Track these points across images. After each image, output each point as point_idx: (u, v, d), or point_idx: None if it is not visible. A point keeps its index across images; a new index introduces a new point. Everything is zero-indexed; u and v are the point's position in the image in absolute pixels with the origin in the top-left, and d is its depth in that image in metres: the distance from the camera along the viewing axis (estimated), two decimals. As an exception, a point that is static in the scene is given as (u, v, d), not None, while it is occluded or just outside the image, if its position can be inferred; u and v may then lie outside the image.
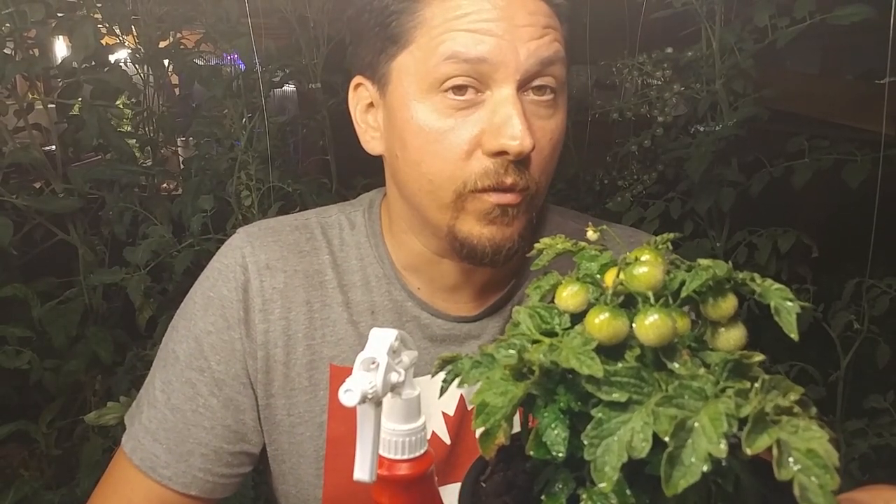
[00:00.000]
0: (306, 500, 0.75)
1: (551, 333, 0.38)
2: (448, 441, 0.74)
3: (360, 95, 0.73)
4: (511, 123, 0.62)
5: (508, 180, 0.64)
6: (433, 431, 0.74)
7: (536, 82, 0.64)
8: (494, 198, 0.65)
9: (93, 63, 1.48)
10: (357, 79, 0.72)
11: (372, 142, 0.73)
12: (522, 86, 0.64)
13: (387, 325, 0.74)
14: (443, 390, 0.40)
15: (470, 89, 0.63)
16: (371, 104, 0.72)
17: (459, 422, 0.75)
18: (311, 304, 0.74)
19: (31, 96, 1.50)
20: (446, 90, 0.63)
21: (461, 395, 0.75)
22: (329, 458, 0.73)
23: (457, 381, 0.38)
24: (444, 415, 0.74)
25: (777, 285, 0.35)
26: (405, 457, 0.50)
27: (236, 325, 0.72)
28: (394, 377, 0.49)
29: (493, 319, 0.77)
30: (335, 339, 0.73)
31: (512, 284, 0.78)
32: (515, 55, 0.62)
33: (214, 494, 0.73)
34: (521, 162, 0.64)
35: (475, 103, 0.64)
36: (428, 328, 0.75)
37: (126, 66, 1.58)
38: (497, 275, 0.76)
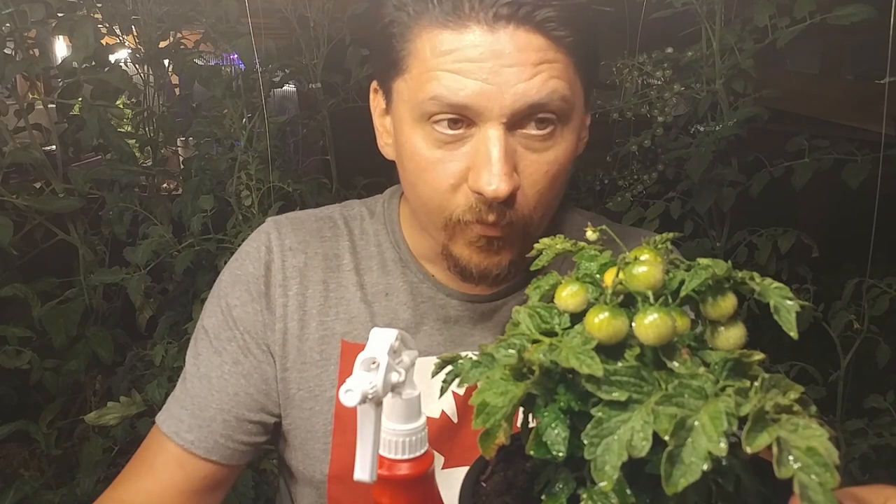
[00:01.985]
0: (312, 476, 0.77)
1: (551, 333, 0.38)
2: (455, 420, 0.76)
3: (377, 100, 0.74)
4: (489, 168, 0.61)
5: (490, 218, 0.64)
6: (442, 410, 0.76)
7: (530, 120, 0.63)
8: (479, 229, 0.66)
9: (93, 63, 1.48)
10: (374, 83, 0.73)
11: (386, 147, 0.74)
12: (513, 125, 0.62)
13: (401, 306, 0.77)
14: (443, 391, 0.41)
15: (462, 123, 0.63)
16: (385, 111, 0.73)
17: (466, 400, 0.76)
18: (328, 284, 0.77)
19: (31, 96, 1.50)
20: (436, 122, 0.63)
21: None
22: (337, 434, 0.75)
23: (456, 381, 0.38)
24: (454, 393, 0.76)
25: (776, 284, 0.35)
26: (405, 457, 0.50)
27: (259, 298, 0.76)
28: (394, 377, 0.49)
29: (508, 302, 0.77)
30: (348, 317, 0.76)
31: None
32: (500, 99, 0.60)
33: (232, 461, 0.76)
34: (504, 202, 0.63)
35: (464, 137, 0.63)
36: (443, 309, 0.77)
37: (126, 66, 1.59)
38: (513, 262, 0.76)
